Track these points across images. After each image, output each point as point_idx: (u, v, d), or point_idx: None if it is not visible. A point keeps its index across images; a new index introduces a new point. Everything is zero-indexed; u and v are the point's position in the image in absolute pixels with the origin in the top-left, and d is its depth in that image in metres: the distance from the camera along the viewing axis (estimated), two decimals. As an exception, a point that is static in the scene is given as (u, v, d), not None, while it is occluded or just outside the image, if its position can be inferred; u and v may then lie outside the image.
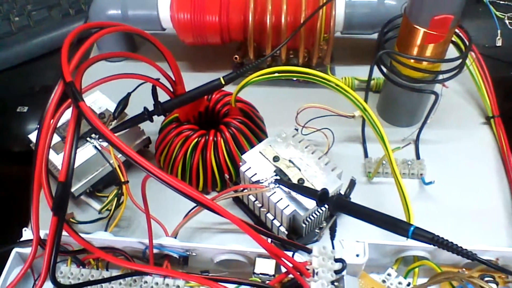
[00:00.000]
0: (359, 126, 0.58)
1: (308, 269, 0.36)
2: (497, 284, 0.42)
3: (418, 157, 0.57)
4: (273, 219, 0.47)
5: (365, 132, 0.58)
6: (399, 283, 0.44)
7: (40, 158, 0.33)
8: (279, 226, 0.47)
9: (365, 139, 0.58)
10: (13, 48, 0.71)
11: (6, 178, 0.59)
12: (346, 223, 0.50)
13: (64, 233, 0.37)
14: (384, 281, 0.45)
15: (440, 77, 0.54)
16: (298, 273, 0.35)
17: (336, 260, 0.37)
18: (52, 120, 0.35)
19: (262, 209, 0.48)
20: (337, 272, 0.36)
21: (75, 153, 0.32)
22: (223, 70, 0.66)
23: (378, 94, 0.62)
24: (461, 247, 0.35)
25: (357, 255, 0.43)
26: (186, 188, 0.32)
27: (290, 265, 0.35)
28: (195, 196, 0.32)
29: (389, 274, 0.45)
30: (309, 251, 0.37)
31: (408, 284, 0.44)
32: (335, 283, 0.36)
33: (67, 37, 0.36)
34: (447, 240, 0.35)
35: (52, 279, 0.34)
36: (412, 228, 0.36)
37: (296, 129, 0.51)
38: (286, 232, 0.46)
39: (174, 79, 0.49)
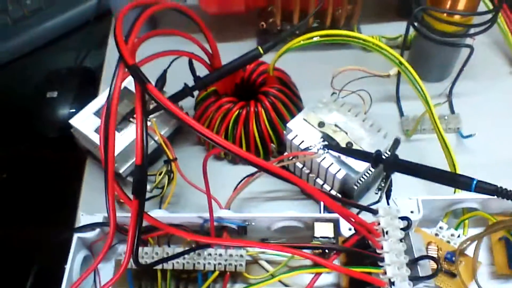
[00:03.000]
0: (394, 85, 0.58)
1: (377, 229, 0.37)
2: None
3: (452, 111, 0.57)
4: (323, 184, 0.48)
5: (399, 91, 0.58)
6: (452, 235, 0.46)
7: (112, 144, 0.33)
8: (330, 190, 0.48)
9: (399, 98, 0.58)
10: (28, 33, 0.69)
11: (43, 164, 0.59)
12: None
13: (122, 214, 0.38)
14: (436, 235, 0.46)
15: (472, 30, 0.54)
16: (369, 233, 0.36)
17: (401, 218, 0.38)
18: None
19: (310, 175, 0.49)
20: (403, 229, 0.37)
21: (147, 135, 0.32)
22: (246, 39, 0.66)
23: (406, 52, 0.62)
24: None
25: (412, 212, 0.44)
26: (254, 157, 0.32)
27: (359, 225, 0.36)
28: (263, 164, 0.33)
29: (440, 227, 0.46)
30: (374, 212, 0.38)
31: (459, 236, 0.46)
32: (404, 241, 0.37)
33: (118, 20, 0.35)
34: (510, 190, 0.36)
35: (135, 262, 0.34)
36: (475, 182, 0.37)
37: (334, 93, 0.51)
38: (339, 196, 0.47)
39: (211, 52, 0.49)
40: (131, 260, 0.42)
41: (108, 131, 0.33)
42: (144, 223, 0.38)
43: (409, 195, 0.44)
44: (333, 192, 0.47)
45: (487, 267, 0.47)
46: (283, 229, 0.46)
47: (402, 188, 0.49)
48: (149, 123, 0.49)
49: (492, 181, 0.38)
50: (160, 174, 0.49)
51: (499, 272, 0.46)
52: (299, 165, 0.49)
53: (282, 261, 0.44)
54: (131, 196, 0.33)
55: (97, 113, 0.51)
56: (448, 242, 0.45)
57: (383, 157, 0.42)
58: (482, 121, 0.56)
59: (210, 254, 0.43)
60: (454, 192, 0.48)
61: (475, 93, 0.59)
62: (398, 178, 0.51)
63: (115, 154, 0.47)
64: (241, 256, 0.43)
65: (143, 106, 0.33)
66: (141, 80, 0.32)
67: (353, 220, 0.35)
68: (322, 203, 0.48)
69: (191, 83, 0.48)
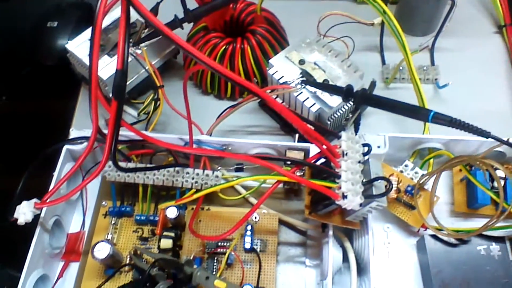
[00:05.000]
0: (377, 35, 0.61)
1: (338, 152, 0.40)
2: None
3: (433, 63, 0.60)
4: (300, 119, 0.51)
5: (383, 41, 0.61)
6: (416, 173, 0.49)
7: (95, 55, 0.36)
8: (305, 124, 0.51)
9: (383, 47, 0.61)
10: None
11: (41, 90, 0.63)
12: (365, 124, 0.54)
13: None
14: (401, 171, 0.49)
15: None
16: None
17: (362, 145, 0.41)
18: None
19: (289, 110, 0.52)
20: (363, 154, 0.40)
21: (129, 43, 0.35)
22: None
23: (394, 6, 0.64)
24: (476, 126, 0.39)
25: (378, 147, 0.47)
26: (239, 78, 0.35)
27: (324, 147, 0.39)
28: (249, 85, 0.35)
29: (406, 166, 0.49)
30: (337, 136, 0.41)
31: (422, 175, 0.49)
32: (362, 164, 0.40)
33: None
34: (464, 121, 0.39)
35: (113, 161, 0.38)
36: (432, 113, 0.40)
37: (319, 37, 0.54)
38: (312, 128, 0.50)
39: (202, -14, 0.51)
40: (113, 170, 0.46)
41: (94, 34, 0.36)
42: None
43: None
44: (308, 126, 0.50)
45: (447, 206, 0.50)
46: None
47: (373, 129, 0.53)
48: (139, 51, 0.52)
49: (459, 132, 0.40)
50: (147, 102, 0.53)
51: (457, 210, 0.49)
52: (279, 100, 0.52)
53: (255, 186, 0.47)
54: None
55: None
56: (412, 179, 0.49)
57: (353, 91, 0.45)
58: (459, 75, 0.58)
59: (188, 173, 0.47)
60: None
61: (457, 49, 0.61)
62: (370, 120, 0.55)
63: (105, 78, 0.51)
64: (217, 177, 0.47)
65: (127, 17, 0.36)
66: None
67: (317, 139, 0.38)
68: (296, 136, 0.51)
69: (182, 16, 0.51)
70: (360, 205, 0.38)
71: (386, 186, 0.39)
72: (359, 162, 0.40)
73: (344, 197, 0.37)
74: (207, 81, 0.56)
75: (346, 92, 0.45)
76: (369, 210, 0.40)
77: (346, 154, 0.39)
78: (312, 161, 0.41)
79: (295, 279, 0.46)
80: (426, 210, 0.47)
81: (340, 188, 0.38)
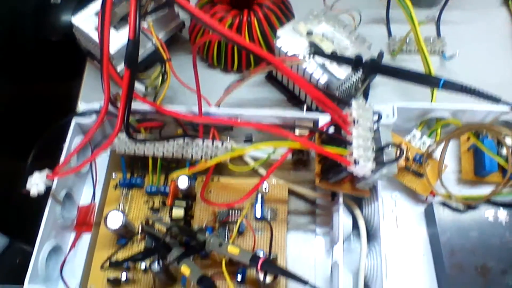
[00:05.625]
0: (383, 8, 0.61)
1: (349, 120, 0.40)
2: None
3: (439, 35, 0.60)
4: (307, 90, 0.51)
5: (389, 13, 0.60)
6: (423, 142, 0.49)
7: (107, 28, 0.36)
8: (313, 96, 0.51)
9: (389, 20, 0.61)
10: None
11: (46, 68, 0.63)
12: (372, 95, 0.55)
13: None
14: (409, 141, 0.49)
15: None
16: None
17: (373, 113, 0.41)
18: None
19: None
20: (374, 122, 0.41)
21: (140, 13, 0.35)
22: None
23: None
24: (487, 91, 0.39)
25: (387, 116, 0.47)
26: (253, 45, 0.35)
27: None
28: (262, 53, 0.35)
29: (414, 135, 0.50)
30: (348, 105, 0.41)
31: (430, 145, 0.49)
32: (373, 132, 0.40)
33: None
34: (474, 87, 0.39)
35: (127, 130, 0.38)
36: (443, 80, 0.40)
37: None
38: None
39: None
40: (123, 143, 0.46)
41: (104, 18, 0.35)
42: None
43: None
44: (316, 98, 0.50)
45: (454, 174, 0.50)
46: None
47: (380, 100, 0.53)
48: (145, 25, 0.52)
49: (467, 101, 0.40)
50: (154, 76, 0.52)
51: (464, 178, 0.49)
52: (286, 72, 0.52)
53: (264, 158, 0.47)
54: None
55: (98, 14, 0.53)
56: (419, 148, 0.49)
57: (363, 61, 0.45)
58: (466, 47, 0.58)
59: (198, 145, 0.47)
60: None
61: (464, 21, 0.61)
62: (378, 90, 0.55)
63: (113, 52, 0.50)
64: (226, 148, 0.47)
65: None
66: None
67: (329, 107, 0.38)
68: (305, 106, 0.51)
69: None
70: (372, 171, 0.38)
71: (396, 152, 0.40)
72: (370, 129, 0.40)
73: (356, 163, 0.38)
74: (213, 54, 0.56)
75: (355, 62, 0.45)
76: (379, 177, 0.40)
77: (357, 121, 0.40)
78: (326, 127, 0.41)
79: (305, 246, 0.46)
80: (434, 177, 0.47)
81: (351, 154, 0.38)
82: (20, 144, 0.58)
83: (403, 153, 0.39)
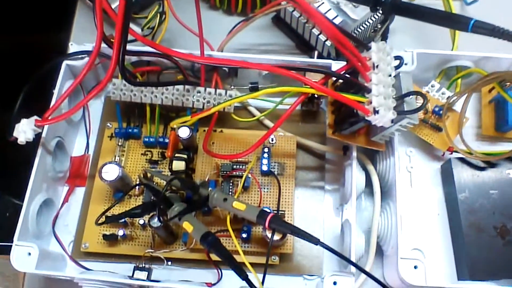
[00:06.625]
0: None
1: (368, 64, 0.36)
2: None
3: (461, -24, 0.55)
4: (319, 34, 0.47)
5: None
6: (442, 93, 0.46)
7: None
8: (325, 40, 0.46)
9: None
10: None
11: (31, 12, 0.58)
12: (389, 43, 0.50)
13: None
14: (428, 92, 0.46)
15: None
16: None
17: (394, 58, 0.37)
18: None
19: (307, 25, 0.47)
20: (395, 67, 0.37)
21: None
22: None
23: None
24: (523, 35, 0.35)
25: (406, 64, 0.43)
26: None
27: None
28: None
29: (432, 86, 0.46)
30: (367, 48, 0.37)
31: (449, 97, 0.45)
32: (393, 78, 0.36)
33: None
34: (507, 29, 0.35)
35: (122, 71, 0.34)
36: (473, 21, 0.36)
37: None
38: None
39: None
40: (118, 89, 0.42)
41: None
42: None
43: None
44: (328, 43, 0.46)
45: (473, 129, 0.47)
46: (273, 76, 0.45)
47: (397, 47, 0.49)
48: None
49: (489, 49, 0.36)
50: (151, 16, 0.48)
51: (484, 134, 0.46)
52: (296, 14, 0.48)
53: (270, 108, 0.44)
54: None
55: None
56: (438, 100, 0.45)
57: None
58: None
59: (199, 92, 0.43)
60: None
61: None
62: (393, 38, 0.50)
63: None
64: (230, 96, 0.43)
65: None
66: None
67: (348, 48, 0.34)
68: (315, 53, 0.47)
69: None
70: (392, 121, 0.35)
71: (419, 101, 0.36)
72: (390, 75, 0.36)
73: (376, 112, 0.34)
74: (216, -6, 0.51)
75: (374, 1, 0.40)
76: (398, 128, 0.37)
77: (377, 66, 0.36)
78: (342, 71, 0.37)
79: (313, 203, 0.44)
80: (453, 132, 0.44)
81: (370, 102, 0.35)
82: (7, 94, 0.54)
83: (426, 102, 0.36)
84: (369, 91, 0.35)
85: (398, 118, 0.35)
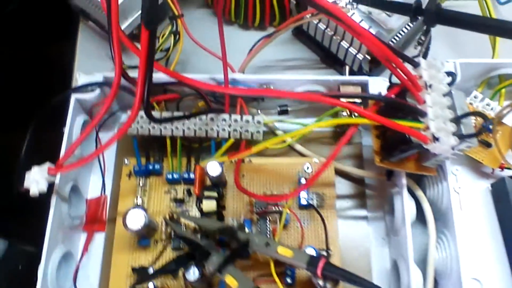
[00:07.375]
0: None
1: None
2: None
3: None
4: (348, 47, 0.43)
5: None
6: (487, 104, 0.42)
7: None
8: (356, 54, 0.42)
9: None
10: None
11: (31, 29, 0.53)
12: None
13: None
14: (471, 104, 0.42)
15: None
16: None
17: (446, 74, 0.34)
18: None
19: (334, 37, 0.43)
20: (448, 84, 0.33)
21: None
22: None
23: None
24: None
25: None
26: None
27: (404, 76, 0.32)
28: None
29: (475, 97, 0.42)
30: (415, 64, 0.33)
31: (492, 108, 0.42)
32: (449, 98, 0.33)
33: None
34: None
35: (147, 110, 0.30)
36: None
37: None
38: (368, 58, 0.42)
39: None
40: (136, 121, 0.38)
41: None
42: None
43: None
44: (360, 56, 0.42)
45: (522, 142, 0.43)
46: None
47: (438, 55, 0.45)
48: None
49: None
50: (163, 37, 0.44)
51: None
52: (322, 26, 0.44)
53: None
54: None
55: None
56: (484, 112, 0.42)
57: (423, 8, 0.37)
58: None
59: (224, 120, 0.39)
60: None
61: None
62: (435, 44, 0.46)
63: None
64: (258, 122, 0.39)
65: None
66: None
67: (398, 66, 0.30)
68: (347, 68, 0.43)
69: None
70: (452, 148, 0.31)
71: (476, 123, 0.32)
72: (445, 95, 0.32)
73: (436, 139, 0.30)
74: (231, 6, 0.46)
75: (415, 9, 0.36)
76: (455, 153, 0.33)
77: (430, 86, 0.32)
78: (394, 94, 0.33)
79: (357, 236, 0.39)
80: (505, 147, 0.40)
81: (428, 128, 0.31)
82: (12, 117, 0.50)
83: (489, 123, 0.32)
84: (423, 114, 0.31)
85: (459, 142, 0.31)
